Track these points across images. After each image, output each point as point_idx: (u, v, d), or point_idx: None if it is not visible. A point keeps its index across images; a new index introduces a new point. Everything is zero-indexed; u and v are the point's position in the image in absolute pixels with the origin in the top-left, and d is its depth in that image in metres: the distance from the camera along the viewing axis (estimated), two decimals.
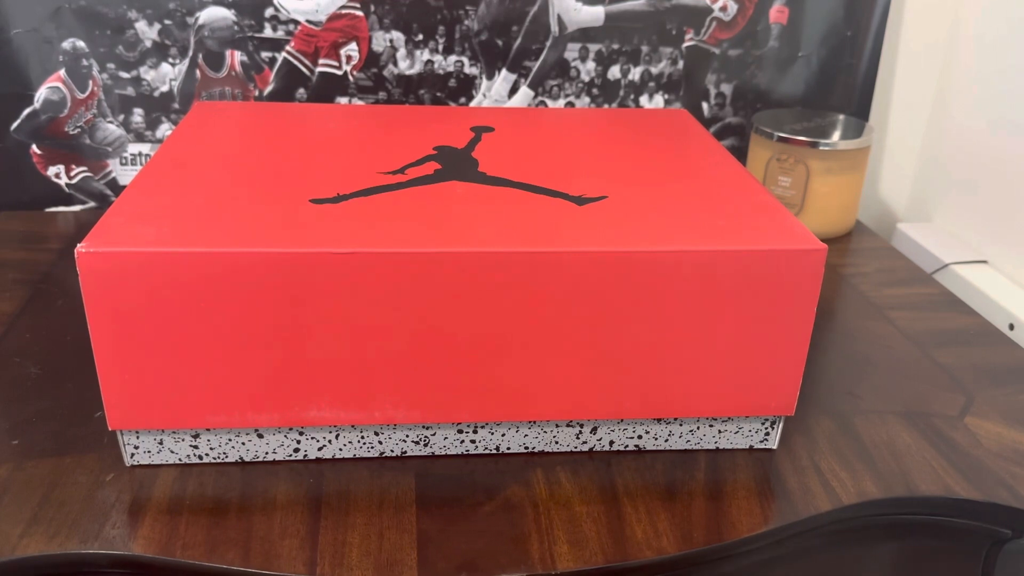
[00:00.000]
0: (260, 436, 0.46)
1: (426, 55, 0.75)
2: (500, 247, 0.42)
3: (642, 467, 0.47)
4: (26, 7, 0.69)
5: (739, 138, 0.82)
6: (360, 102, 0.76)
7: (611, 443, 0.48)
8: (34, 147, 0.74)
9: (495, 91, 0.77)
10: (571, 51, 0.77)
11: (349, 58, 0.75)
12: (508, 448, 0.47)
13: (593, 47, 0.77)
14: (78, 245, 0.40)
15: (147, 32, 0.71)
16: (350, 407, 0.44)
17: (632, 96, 0.79)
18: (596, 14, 0.76)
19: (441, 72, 0.76)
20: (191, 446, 0.45)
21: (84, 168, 0.75)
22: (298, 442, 0.46)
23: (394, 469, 0.46)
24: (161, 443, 0.45)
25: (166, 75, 0.73)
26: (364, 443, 0.46)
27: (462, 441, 0.47)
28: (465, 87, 0.77)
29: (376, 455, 0.47)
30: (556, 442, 0.47)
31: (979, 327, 0.63)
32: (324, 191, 0.47)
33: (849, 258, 0.73)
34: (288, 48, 0.74)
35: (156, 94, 0.74)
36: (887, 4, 0.78)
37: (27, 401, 0.50)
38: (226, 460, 0.46)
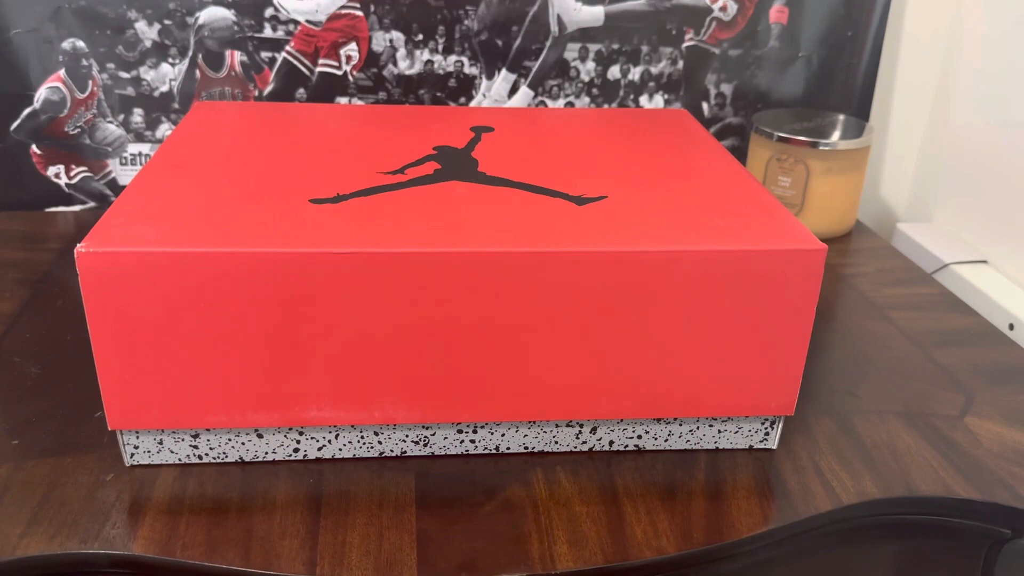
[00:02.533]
0: (260, 436, 0.46)
1: (426, 55, 0.75)
2: (500, 247, 0.42)
3: (642, 467, 0.47)
4: (26, 7, 0.69)
5: (739, 138, 0.82)
6: (360, 102, 0.76)
7: (611, 443, 0.48)
8: (34, 147, 0.74)
9: (495, 91, 0.77)
10: (571, 51, 0.77)
11: (349, 58, 0.75)
12: (508, 448, 0.47)
13: (593, 47, 0.77)
14: (78, 245, 0.40)
15: (147, 32, 0.71)
16: (350, 407, 0.44)
17: (632, 96, 0.79)
18: (596, 14, 0.76)
19: (441, 72, 0.76)
20: (191, 446, 0.45)
21: (84, 168, 0.75)
22: (298, 442, 0.46)
23: (394, 469, 0.46)
24: (161, 443, 0.45)
25: (166, 75, 0.73)
26: (364, 443, 0.46)
27: (462, 441, 0.47)
28: (465, 87, 0.77)
29: (376, 455, 0.47)
30: (556, 442, 0.47)
31: (979, 327, 0.63)
32: (324, 191, 0.47)
33: (849, 258, 0.73)
34: (288, 48, 0.74)
35: (156, 94, 0.74)
36: (887, 4, 0.78)
37: (27, 401, 0.50)
38: (226, 460, 0.46)
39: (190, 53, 0.73)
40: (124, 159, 0.75)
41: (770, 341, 0.45)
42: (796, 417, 0.51)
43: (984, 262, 0.76)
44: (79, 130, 0.74)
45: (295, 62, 0.74)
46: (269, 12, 0.72)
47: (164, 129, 0.75)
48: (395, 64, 0.75)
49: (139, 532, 0.41)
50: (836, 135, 0.73)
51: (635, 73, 0.78)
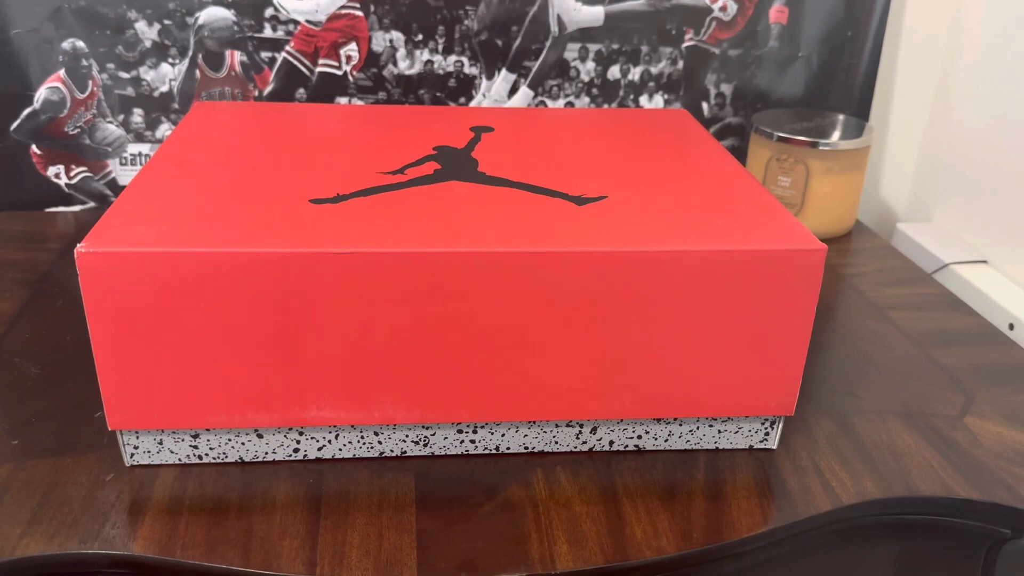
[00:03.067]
0: (260, 436, 0.46)
1: (426, 55, 0.75)
2: (500, 247, 0.42)
3: (642, 467, 0.47)
4: (26, 7, 0.69)
5: (739, 138, 0.82)
6: (360, 102, 0.76)
7: (611, 443, 0.48)
8: (34, 147, 0.74)
9: (495, 91, 0.77)
10: (571, 51, 0.77)
11: (349, 58, 0.75)
12: (508, 448, 0.47)
13: (593, 47, 0.77)
14: (78, 245, 0.40)
15: (147, 32, 0.71)
16: (350, 407, 0.44)
17: (632, 96, 0.79)
18: (596, 14, 0.76)
19: (441, 72, 0.76)
20: (191, 446, 0.45)
21: (84, 168, 0.75)
22: (298, 442, 0.46)
23: (394, 469, 0.46)
24: (161, 443, 0.45)
25: (166, 75, 0.73)
26: (364, 443, 0.46)
27: (462, 441, 0.47)
28: (465, 87, 0.77)
29: (376, 455, 0.47)
30: (556, 442, 0.47)
31: (979, 327, 0.63)
32: (324, 191, 0.47)
33: (849, 258, 0.73)
34: (288, 48, 0.74)
35: (156, 94, 0.74)
36: (887, 4, 0.78)
37: (27, 401, 0.50)
38: (226, 460, 0.46)
39: (190, 53, 0.73)
40: (124, 159, 0.75)
41: (770, 341, 0.45)
42: (796, 417, 0.51)
43: (984, 262, 0.76)
44: (79, 130, 0.74)
45: (295, 62, 0.74)
46: (269, 12, 0.72)
47: (164, 129, 0.75)
48: (395, 64, 0.75)
49: (139, 532, 0.41)
50: (836, 135, 0.73)
51: (635, 73, 0.78)
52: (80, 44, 0.71)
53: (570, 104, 0.79)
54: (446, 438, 0.47)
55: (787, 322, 0.44)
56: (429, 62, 0.75)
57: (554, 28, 0.76)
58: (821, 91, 0.81)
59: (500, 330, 0.43)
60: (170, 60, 0.73)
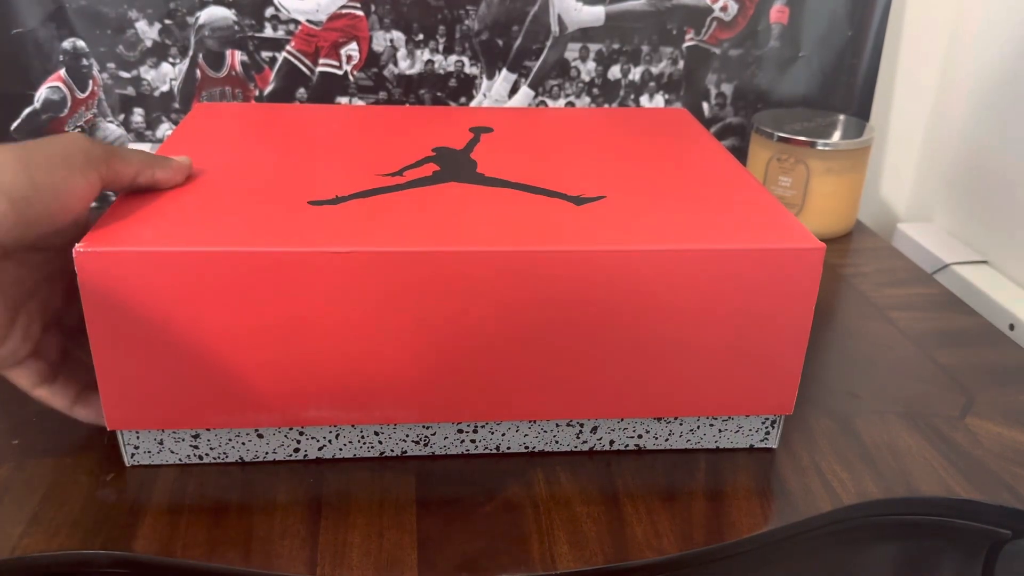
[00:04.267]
0: (260, 436, 0.46)
1: (426, 55, 0.75)
2: (499, 247, 0.42)
3: (642, 467, 0.47)
4: (26, 7, 0.69)
5: (739, 138, 0.82)
6: (360, 102, 0.76)
7: (611, 443, 0.48)
8: None
9: (495, 91, 0.77)
10: (571, 51, 0.77)
11: (349, 58, 0.75)
12: (508, 448, 0.47)
13: (593, 47, 0.77)
14: (76, 245, 0.40)
15: (147, 32, 0.71)
16: (350, 407, 0.44)
17: (632, 96, 0.79)
18: (596, 14, 0.76)
19: (441, 72, 0.76)
20: (191, 446, 0.45)
21: None
22: (298, 442, 0.46)
23: (394, 469, 0.46)
24: (161, 443, 0.45)
25: (166, 75, 0.73)
26: (364, 443, 0.46)
27: (462, 441, 0.47)
28: (465, 87, 0.77)
29: (376, 455, 0.47)
30: (556, 442, 0.47)
31: (980, 327, 0.63)
32: (323, 193, 0.47)
33: (849, 258, 0.73)
34: (288, 48, 0.74)
35: (156, 94, 0.74)
36: (888, 4, 0.78)
37: (27, 401, 0.50)
38: (226, 460, 0.46)
39: (190, 53, 0.73)
40: None
41: (770, 340, 0.45)
42: (797, 417, 0.51)
43: (984, 262, 0.76)
44: (80, 130, 0.74)
45: (296, 62, 0.74)
46: (269, 12, 0.72)
47: (164, 129, 0.75)
48: (395, 64, 0.75)
49: (139, 532, 0.41)
50: (836, 135, 0.73)
51: (636, 73, 0.78)
52: (81, 43, 0.71)
53: (570, 104, 0.79)
54: (446, 438, 0.47)
55: (786, 321, 0.44)
56: (430, 62, 0.75)
57: (555, 28, 0.76)
58: (822, 91, 0.81)
59: (500, 330, 0.43)
60: (171, 60, 0.73)
